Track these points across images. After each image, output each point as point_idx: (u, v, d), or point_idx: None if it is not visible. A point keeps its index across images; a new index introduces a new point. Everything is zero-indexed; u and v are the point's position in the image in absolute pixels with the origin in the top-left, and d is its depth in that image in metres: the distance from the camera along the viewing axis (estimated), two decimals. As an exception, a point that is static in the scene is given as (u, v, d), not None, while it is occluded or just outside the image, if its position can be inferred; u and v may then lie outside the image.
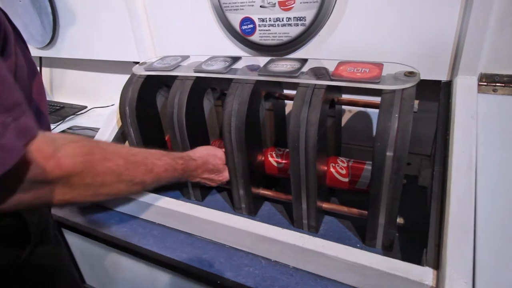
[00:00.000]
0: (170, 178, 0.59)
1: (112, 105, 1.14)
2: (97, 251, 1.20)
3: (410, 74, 0.55)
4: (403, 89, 0.53)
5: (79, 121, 1.17)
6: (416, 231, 0.64)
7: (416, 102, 0.74)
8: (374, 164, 0.54)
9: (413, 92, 0.53)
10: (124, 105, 0.75)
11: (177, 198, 0.72)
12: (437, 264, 0.49)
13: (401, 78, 0.55)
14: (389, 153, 0.52)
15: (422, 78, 0.57)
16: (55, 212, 0.81)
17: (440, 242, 0.50)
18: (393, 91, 0.53)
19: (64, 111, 1.23)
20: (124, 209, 0.76)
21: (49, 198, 0.41)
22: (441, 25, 0.62)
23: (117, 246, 0.71)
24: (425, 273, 0.48)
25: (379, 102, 0.54)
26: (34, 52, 1.22)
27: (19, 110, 0.35)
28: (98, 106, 1.21)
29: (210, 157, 0.69)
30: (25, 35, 1.14)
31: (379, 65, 0.59)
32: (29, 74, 0.51)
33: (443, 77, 0.66)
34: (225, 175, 0.71)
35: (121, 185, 0.49)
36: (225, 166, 0.71)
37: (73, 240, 1.26)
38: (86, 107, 1.24)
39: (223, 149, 0.69)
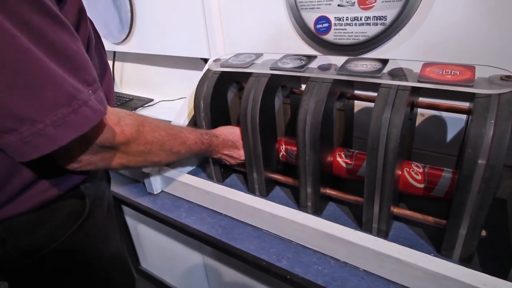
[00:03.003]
0: (199, 150, 0.69)
1: (179, 98, 1.20)
2: (157, 236, 1.27)
3: (508, 78, 0.52)
4: (500, 94, 0.50)
5: (146, 112, 1.24)
6: (495, 244, 0.60)
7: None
8: (463, 172, 0.51)
9: (511, 98, 0.50)
10: (199, 99, 0.79)
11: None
12: (530, 282, 0.46)
13: (497, 82, 0.52)
14: (481, 161, 0.49)
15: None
16: (125, 193, 0.86)
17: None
18: (489, 95, 0.50)
19: (133, 102, 1.32)
20: (194, 198, 0.80)
21: (110, 161, 0.50)
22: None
23: (186, 232, 0.74)
24: (518, 291, 0.45)
25: (463, 107, 0.51)
26: (110, 47, 1.31)
27: (97, 86, 0.43)
28: (165, 99, 1.28)
29: (229, 134, 0.76)
30: (104, 31, 1.23)
31: (471, 68, 0.56)
32: (101, 73, 0.59)
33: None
34: (241, 153, 0.78)
35: (163, 153, 0.58)
36: (241, 143, 0.77)
37: (135, 225, 1.34)
38: (152, 99, 1.32)
39: (239, 127, 0.75)
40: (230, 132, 0.77)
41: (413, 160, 0.72)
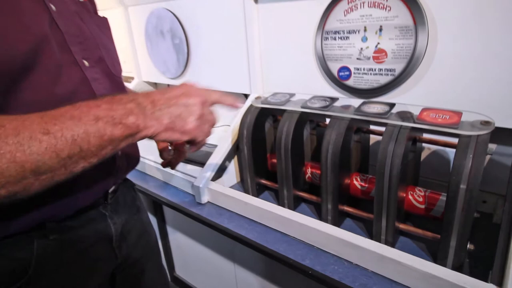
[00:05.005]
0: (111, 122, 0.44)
1: (222, 125, 1.41)
2: (193, 246, 1.45)
3: (486, 123, 0.67)
4: (478, 135, 0.66)
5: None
6: (487, 261, 0.73)
7: (494, 145, 0.84)
8: (449, 194, 0.66)
9: (487, 138, 0.65)
10: (243, 128, 0.99)
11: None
12: (501, 282, 0.59)
13: (477, 126, 0.67)
14: (463, 186, 0.64)
15: (500, 126, 0.68)
16: (178, 202, 1.06)
17: (505, 264, 0.60)
18: (470, 136, 0.66)
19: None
20: (234, 208, 0.98)
21: None
22: (519, 83, 0.73)
23: (228, 235, 0.92)
24: (489, 288, 0.59)
25: (456, 143, 0.66)
26: (166, 81, 1.57)
27: None
28: (209, 126, 1.50)
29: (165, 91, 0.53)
30: (162, 68, 1.49)
31: (459, 113, 0.72)
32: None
33: (520, 126, 0.75)
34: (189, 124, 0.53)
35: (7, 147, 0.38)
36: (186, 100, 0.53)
37: (174, 233, 1.53)
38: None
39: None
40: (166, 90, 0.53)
41: (420, 186, 0.87)
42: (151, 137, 0.51)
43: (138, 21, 1.52)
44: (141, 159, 0.81)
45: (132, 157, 0.75)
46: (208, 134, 0.60)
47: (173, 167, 0.87)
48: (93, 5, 0.74)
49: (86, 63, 0.62)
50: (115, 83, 0.69)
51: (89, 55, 0.62)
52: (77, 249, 0.63)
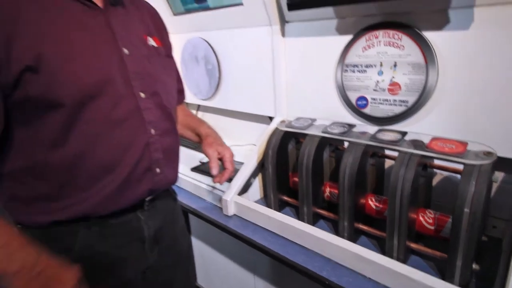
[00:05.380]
0: None
1: (247, 144, 1.53)
2: (216, 257, 1.54)
3: (488, 154, 0.75)
4: (481, 165, 0.73)
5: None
6: (492, 282, 0.78)
7: (501, 174, 0.91)
8: (454, 217, 0.74)
9: (489, 167, 0.73)
10: (269, 148, 1.09)
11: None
12: (500, 299, 0.65)
13: (481, 156, 0.75)
14: (466, 210, 0.72)
15: (506, 156, 0.75)
16: (207, 214, 1.16)
17: (504, 284, 0.66)
18: (473, 165, 0.74)
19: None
20: (258, 221, 1.08)
21: None
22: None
23: (253, 245, 1.01)
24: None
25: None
26: (196, 101, 1.71)
27: None
28: (235, 144, 1.62)
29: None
30: (195, 90, 1.63)
31: (465, 143, 0.80)
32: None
33: (524, 157, 0.82)
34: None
35: None
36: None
37: (198, 244, 1.64)
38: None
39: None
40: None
41: (432, 209, 0.94)
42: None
43: (175, 47, 1.69)
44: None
45: (170, 176, 0.86)
46: None
47: (221, 182, 0.97)
48: (167, 49, 0.90)
49: (142, 95, 0.75)
50: (165, 113, 0.82)
51: (146, 88, 0.76)
52: (113, 243, 0.77)
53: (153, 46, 0.83)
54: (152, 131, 0.78)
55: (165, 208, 0.90)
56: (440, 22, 0.88)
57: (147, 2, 0.91)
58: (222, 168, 0.99)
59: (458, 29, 0.86)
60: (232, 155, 1.00)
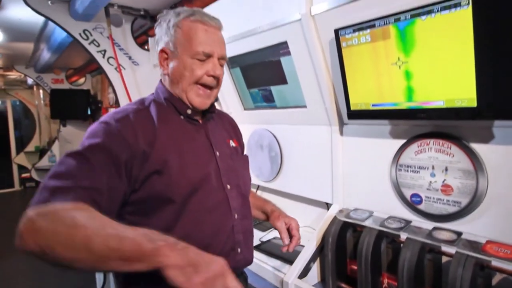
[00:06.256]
0: (135, 246, 0.58)
1: (303, 226, 1.65)
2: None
3: (544, 262, 0.81)
4: (537, 272, 0.79)
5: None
6: None
7: None
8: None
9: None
10: (328, 235, 1.22)
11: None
12: None
13: (537, 264, 0.81)
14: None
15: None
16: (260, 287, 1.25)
17: None
18: (530, 272, 0.80)
19: (263, 225, 1.81)
20: None
21: (23, 244, 0.64)
22: None
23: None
24: None
25: None
26: (259, 182, 1.91)
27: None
28: (292, 225, 1.75)
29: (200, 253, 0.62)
30: (257, 172, 1.84)
31: (520, 250, 0.87)
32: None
33: None
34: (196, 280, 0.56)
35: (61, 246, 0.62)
36: (206, 268, 0.58)
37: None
38: None
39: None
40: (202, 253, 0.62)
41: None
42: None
43: (244, 135, 1.97)
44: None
45: (248, 257, 1.01)
46: None
47: (290, 249, 1.06)
48: (242, 148, 1.13)
49: (228, 186, 0.95)
50: (245, 200, 1.02)
51: (231, 181, 0.97)
52: None
53: (233, 147, 1.06)
54: (236, 216, 0.95)
55: None
56: (486, 137, 1.02)
57: (226, 114, 1.20)
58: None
59: (503, 144, 0.99)
60: (298, 224, 1.11)
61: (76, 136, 5.24)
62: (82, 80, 5.36)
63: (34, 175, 5.17)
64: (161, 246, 0.58)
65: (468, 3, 0.84)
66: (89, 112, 5.06)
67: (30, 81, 5.92)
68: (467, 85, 0.90)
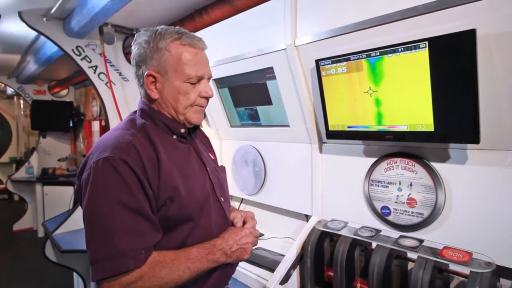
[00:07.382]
0: (205, 256, 0.89)
1: (284, 237, 1.76)
2: None
3: (488, 264, 0.96)
4: (483, 272, 0.94)
5: (260, 244, 1.80)
6: None
7: (510, 282, 1.09)
8: (465, 315, 0.92)
9: (489, 275, 0.93)
10: (307, 244, 1.33)
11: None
12: None
13: (482, 265, 0.96)
14: (474, 310, 0.90)
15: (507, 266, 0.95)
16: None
17: None
18: (477, 272, 0.94)
19: (250, 234, 1.91)
20: None
21: None
22: (515, 236, 1.02)
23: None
24: None
25: None
26: (242, 195, 2.02)
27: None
28: (273, 236, 1.85)
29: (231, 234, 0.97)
30: (241, 186, 1.96)
31: (470, 254, 1.01)
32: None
33: (522, 269, 1.01)
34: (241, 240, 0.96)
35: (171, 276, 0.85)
36: (240, 235, 0.97)
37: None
38: (263, 234, 1.90)
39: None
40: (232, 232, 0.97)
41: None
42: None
43: (228, 150, 2.08)
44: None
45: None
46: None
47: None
48: (216, 159, 1.20)
49: (222, 199, 1.05)
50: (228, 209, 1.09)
51: (222, 195, 1.06)
52: None
53: (213, 159, 1.13)
54: (230, 224, 1.04)
55: None
56: (444, 157, 1.18)
57: (200, 129, 1.18)
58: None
59: (458, 163, 1.15)
60: (252, 213, 1.09)
61: (56, 148, 5.17)
62: (64, 91, 5.33)
63: (10, 186, 5.02)
64: (220, 257, 0.92)
65: (426, 46, 1.01)
66: (71, 124, 5.03)
67: (10, 91, 5.82)
68: (426, 112, 1.07)
